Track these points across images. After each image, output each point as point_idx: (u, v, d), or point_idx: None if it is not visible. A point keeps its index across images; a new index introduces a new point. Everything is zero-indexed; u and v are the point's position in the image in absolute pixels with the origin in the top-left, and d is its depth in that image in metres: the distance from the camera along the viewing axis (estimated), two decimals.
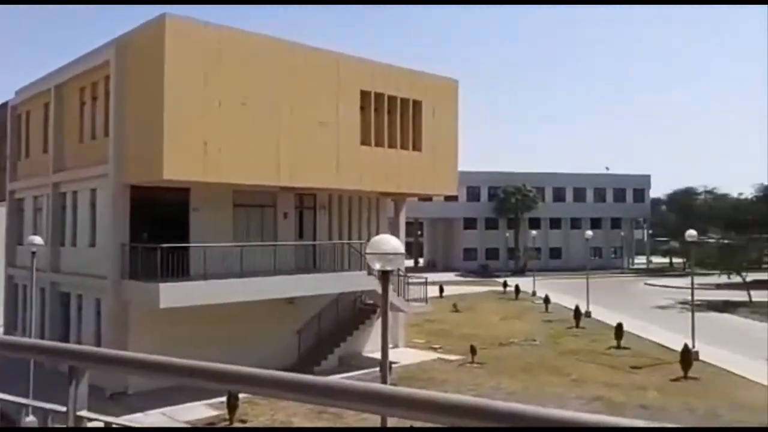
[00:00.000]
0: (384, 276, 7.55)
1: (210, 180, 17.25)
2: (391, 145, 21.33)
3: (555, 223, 70.11)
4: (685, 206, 66.58)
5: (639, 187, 72.53)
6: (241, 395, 14.07)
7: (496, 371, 19.77)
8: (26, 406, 2.98)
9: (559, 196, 70.48)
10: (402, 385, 17.95)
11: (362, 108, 20.57)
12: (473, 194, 67.77)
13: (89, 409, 1.87)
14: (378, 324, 23.27)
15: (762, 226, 50.53)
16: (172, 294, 15.91)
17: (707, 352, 21.21)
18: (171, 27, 16.20)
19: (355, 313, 22.46)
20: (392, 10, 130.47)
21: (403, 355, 22.34)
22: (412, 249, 77.48)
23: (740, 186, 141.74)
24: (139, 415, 14.75)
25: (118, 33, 18.43)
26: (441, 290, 40.83)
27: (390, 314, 22.94)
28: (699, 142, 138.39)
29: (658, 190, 74.96)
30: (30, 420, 6.42)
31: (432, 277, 50.72)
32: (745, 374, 19.05)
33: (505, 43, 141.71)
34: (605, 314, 30.57)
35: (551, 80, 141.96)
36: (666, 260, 71.07)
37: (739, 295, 36.82)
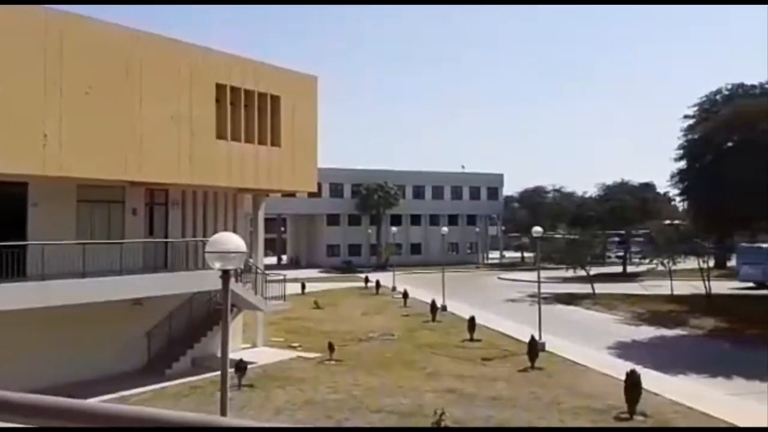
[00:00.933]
0: (224, 276, 7.04)
1: (50, 174, 15.76)
2: (249, 140, 20.62)
3: (415, 219, 72.07)
4: (535, 204, 71.07)
5: (493, 185, 76.31)
6: None
7: (354, 367, 19.72)
8: None
9: (418, 193, 72.52)
10: (259, 385, 17.42)
11: (218, 101, 19.69)
12: (336, 191, 68.00)
13: None
14: (235, 323, 22.44)
15: (603, 222, 54.90)
16: (2, 296, 14.35)
17: (553, 343, 22.47)
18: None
19: (210, 313, 21.45)
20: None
21: (261, 355, 21.74)
22: (276, 246, 76.30)
23: (585, 185, 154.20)
24: None
25: None
26: (303, 287, 40.43)
27: (248, 313, 22.43)
28: (548, 143, 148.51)
29: (510, 189, 79.34)
30: None
31: (295, 273, 50.70)
32: (587, 363, 20.34)
33: (368, 41, 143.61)
34: (460, 308, 31.67)
35: (413, 79, 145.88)
36: (518, 255, 75.36)
37: (584, 288, 39.54)
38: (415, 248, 71.24)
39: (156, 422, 1.20)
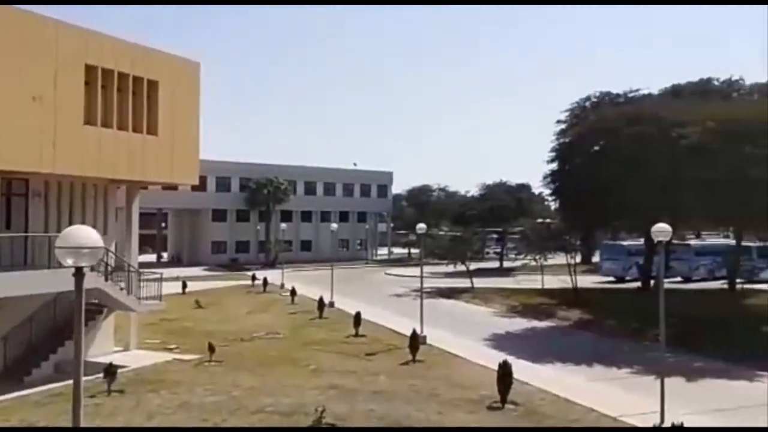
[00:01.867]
0: (77, 274, 6.50)
1: None
2: (122, 128, 19.37)
3: (306, 215, 71.43)
4: (422, 202, 72.93)
5: (383, 183, 77.29)
6: None
7: (234, 368, 19.15)
8: None
9: (310, 189, 71.99)
10: (131, 390, 16.48)
11: (87, 84, 18.32)
12: (223, 185, 66.02)
13: None
14: (106, 325, 21.21)
15: (483, 220, 57.38)
16: None
17: (434, 336, 22.99)
18: None
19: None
20: None
21: (134, 358, 20.59)
22: (155, 242, 72.91)
23: (467, 185, 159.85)
24: None
25: None
26: (184, 286, 38.96)
27: (122, 314, 21.19)
28: (436, 143, 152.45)
29: (399, 187, 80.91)
30: None
31: (177, 272, 48.66)
32: (464, 354, 20.97)
33: (261, 39, 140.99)
34: (348, 303, 31.69)
35: (304, 76, 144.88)
36: (405, 251, 76.85)
37: (464, 283, 40.93)
38: (306, 245, 70.65)
39: None
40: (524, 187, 62.62)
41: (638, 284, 38.19)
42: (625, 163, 24.67)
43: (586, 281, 39.96)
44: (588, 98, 34.71)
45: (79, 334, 6.82)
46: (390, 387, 16.79)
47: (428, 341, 22.17)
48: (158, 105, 20.45)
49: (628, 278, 42.30)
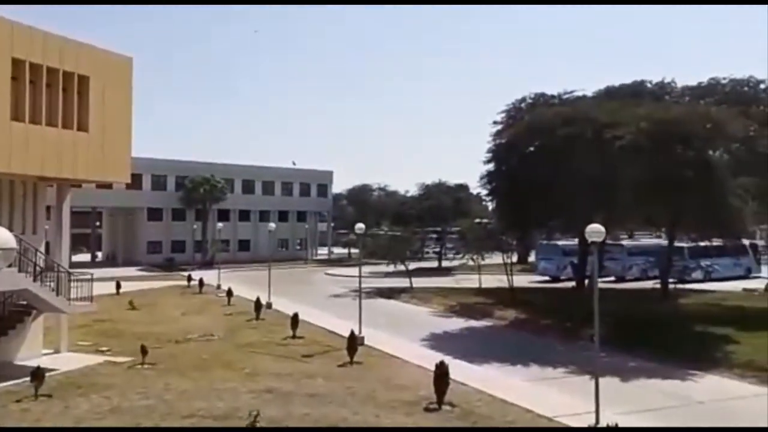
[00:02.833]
0: None
1: None
2: (51, 124, 18.62)
3: (244, 215, 70.43)
4: (362, 201, 72.92)
5: (323, 182, 76.96)
6: None
7: (167, 371, 18.72)
8: None
9: (248, 188, 70.97)
10: (59, 394, 15.90)
11: (14, 78, 17.55)
12: (159, 183, 64.41)
13: None
14: (34, 327, 20.36)
15: (422, 220, 57.89)
16: None
17: (373, 337, 23.04)
18: None
19: (5, 317, 19.21)
20: None
21: (64, 361, 19.87)
22: (90, 242, 70.47)
23: (407, 184, 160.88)
24: None
25: None
26: (118, 286, 37.87)
27: (52, 316, 20.38)
28: (376, 142, 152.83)
29: (339, 186, 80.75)
30: None
31: (111, 272, 47.16)
32: (402, 355, 21.04)
33: (196, 35, 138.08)
34: (286, 304, 31.41)
35: (242, 74, 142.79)
36: (346, 251, 76.75)
37: (403, 282, 41.13)
38: (244, 244, 69.62)
39: None
40: (462, 188, 63.52)
41: (573, 284, 39.08)
42: (559, 163, 25.01)
43: (523, 281, 40.72)
44: (523, 99, 35.23)
45: None
46: (327, 390, 16.73)
47: (366, 342, 22.21)
48: (89, 101, 19.73)
49: (563, 278, 43.18)
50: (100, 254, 70.12)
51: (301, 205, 75.11)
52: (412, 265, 44.99)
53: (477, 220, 44.46)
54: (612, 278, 42.74)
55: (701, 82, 33.53)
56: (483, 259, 39.54)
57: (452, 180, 64.70)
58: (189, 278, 43.91)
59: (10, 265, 16.94)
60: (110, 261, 65.76)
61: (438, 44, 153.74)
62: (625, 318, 25.26)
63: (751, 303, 31.75)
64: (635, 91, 33.31)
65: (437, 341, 24.53)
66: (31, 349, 20.14)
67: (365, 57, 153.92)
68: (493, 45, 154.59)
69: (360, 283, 25.47)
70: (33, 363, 17.62)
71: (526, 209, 28.13)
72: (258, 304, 29.67)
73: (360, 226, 25.08)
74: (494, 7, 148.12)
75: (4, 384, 16.67)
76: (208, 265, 58.25)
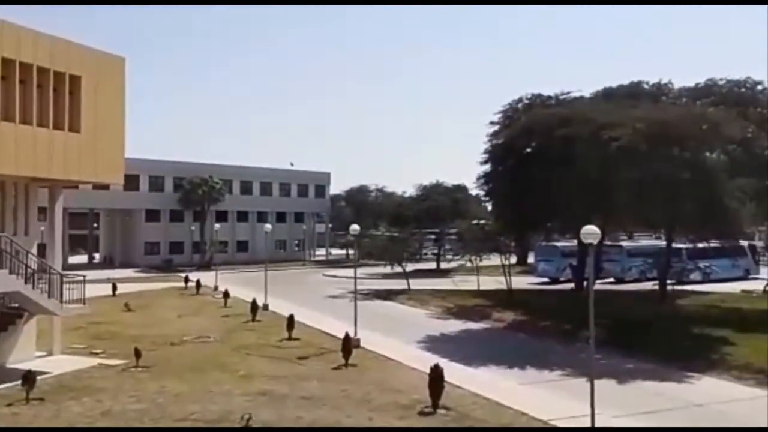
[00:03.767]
0: None
1: None
2: (42, 124, 18.44)
3: (242, 216, 70.34)
4: (360, 202, 72.77)
5: (320, 183, 76.85)
6: None
7: (162, 373, 18.54)
8: None
9: (246, 189, 70.87)
10: (51, 398, 15.72)
11: (4, 78, 17.41)
12: (157, 184, 64.25)
13: None
14: (27, 330, 20.18)
15: (420, 221, 57.71)
16: None
17: (369, 339, 22.85)
18: None
19: None
20: None
21: (57, 364, 19.69)
22: (87, 243, 70.30)
23: (405, 185, 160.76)
24: None
25: None
26: (114, 288, 37.73)
27: (46, 318, 20.19)
28: (374, 143, 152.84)
29: (337, 187, 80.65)
30: None
31: (108, 273, 47.00)
32: (398, 358, 20.83)
33: (190, 35, 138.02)
34: (283, 306, 31.26)
35: (241, 75, 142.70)
36: (344, 252, 76.57)
37: (401, 284, 40.93)
38: (242, 246, 69.53)
39: None
40: (460, 189, 63.23)
41: (572, 285, 38.92)
42: (557, 164, 24.85)
43: (522, 282, 40.55)
44: (520, 100, 35.02)
45: None
46: (321, 392, 16.54)
47: (362, 344, 22.02)
48: (81, 101, 19.55)
49: (562, 279, 43.01)
50: (97, 256, 69.98)
51: (299, 206, 74.98)
52: (410, 267, 44.77)
53: (475, 221, 44.21)
54: (611, 279, 42.59)
55: (698, 83, 33.34)
56: (481, 260, 39.37)
57: (450, 181, 64.56)
58: (186, 280, 43.74)
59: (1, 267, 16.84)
60: (108, 262, 65.63)
61: (437, 45, 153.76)
62: (623, 320, 25.10)
63: (749, 304, 31.56)
64: (632, 92, 33.09)
65: (434, 343, 24.36)
66: (24, 351, 19.97)
67: (362, 58, 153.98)
68: (492, 46, 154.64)
69: (355, 284, 25.29)
70: (25, 366, 17.48)
71: (524, 210, 27.98)
72: (254, 305, 29.50)
73: (355, 228, 24.91)
74: (493, 7, 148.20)
75: None
76: (206, 266, 58.16)
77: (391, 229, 51.32)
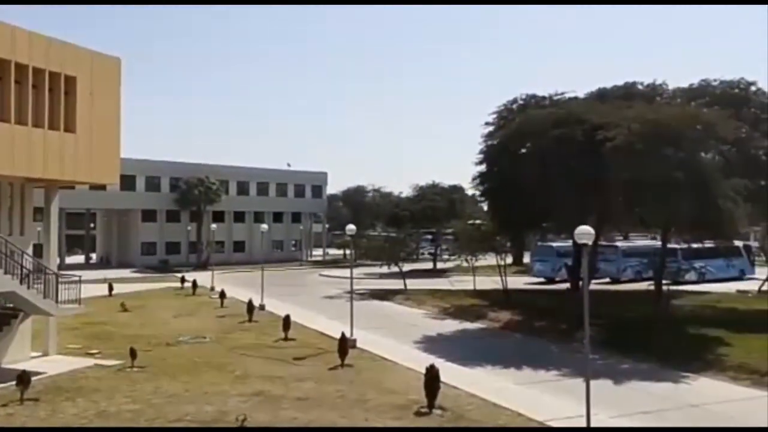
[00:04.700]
0: None
1: None
2: (38, 124, 18.41)
3: (239, 216, 70.27)
4: (357, 203, 72.74)
5: (317, 183, 76.80)
6: None
7: (157, 374, 18.51)
8: None
9: (243, 189, 70.81)
10: (46, 398, 15.69)
11: (0, 79, 17.40)
12: (153, 184, 64.18)
13: None
14: (22, 330, 20.14)
15: (417, 221, 57.70)
16: None
17: (365, 339, 22.89)
18: None
19: None
20: None
21: (52, 364, 19.66)
22: (84, 243, 70.19)
23: (401, 185, 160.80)
24: None
25: None
26: (110, 288, 37.64)
27: (41, 319, 20.15)
28: (370, 143, 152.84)
29: (334, 187, 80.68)
30: None
31: (104, 273, 46.93)
32: (394, 358, 20.83)
33: (184, 35, 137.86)
34: (279, 306, 31.29)
35: (237, 76, 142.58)
36: (341, 252, 76.52)
37: (398, 284, 40.87)
38: (239, 246, 69.49)
39: None
40: (457, 189, 63.30)
41: (567, 285, 38.90)
42: (551, 164, 24.87)
43: (518, 282, 40.55)
44: (514, 101, 34.98)
45: None
46: (317, 393, 16.54)
47: (358, 344, 22.04)
48: (76, 101, 19.54)
49: (557, 279, 42.93)
50: (94, 256, 69.84)
51: (296, 207, 74.95)
52: (407, 267, 44.77)
53: (471, 222, 44.17)
54: (607, 280, 42.63)
55: (692, 83, 33.33)
56: (477, 260, 39.36)
57: (446, 181, 64.63)
58: (182, 280, 43.68)
59: None
60: (104, 263, 65.52)
61: (434, 45, 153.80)
62: (619, 320, 25.07)
63: (744, 305, 31.64)
64: (627, 93, 33.08)
65: (430, 344, 24.38)
66: (19, 352, 19.94)
67: (359, 58, 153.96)
68: (488, 46, 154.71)
69: (351, 284, 25.31)
70: (20, 366, 17.43)
71: (519, 210, 27.95)
72: (251, 305, 29.48)
73: (351, 228, 24.92)
74: (489, 7, 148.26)
75: None
76: (203, 266, 58.09)
77: (388, 229, 51.30)
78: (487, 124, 33.87)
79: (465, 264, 40.62)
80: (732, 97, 31.29)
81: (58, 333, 21.81)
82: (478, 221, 43.19)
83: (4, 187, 19.52)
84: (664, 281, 33.89)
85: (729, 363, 19.76)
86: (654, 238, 46.79)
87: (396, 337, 25.04)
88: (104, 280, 39.43)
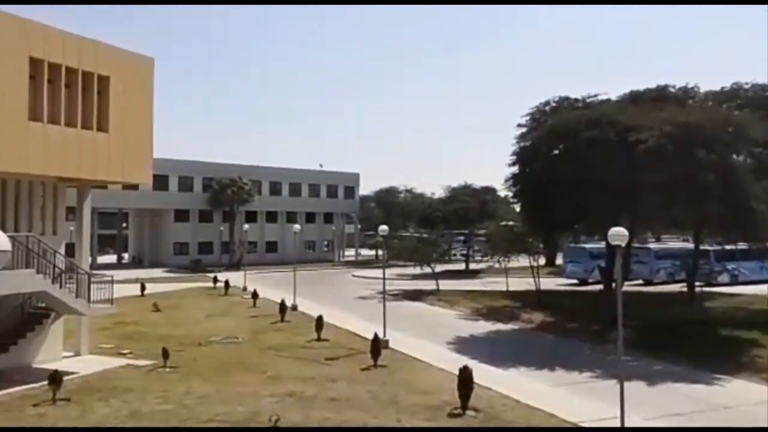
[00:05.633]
0: None
1: None
2: (71, 124, 18.49)
3: (271, 216, 70.65)
4: (389, 203, 72.57)
5: (349, 184, 76.84)
6: None
7: (189, 374, 18.46)
8: None
9: (275, 190, 71.17)
10: (78, 398, 15.71)
11: (32, 78, 17.43)
12: (186, 184, 64.80)
13: None
14: (54, 330, 20.27)
15: (449, 222, 57.44)
16: None
17: (398, 339, 22.63)
18: None
19: (23, 319, 19.14)
20: None
21: (84, 364, 19.73)
22: (116, 243, 71.27)
23: (434, 186, 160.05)
24: None
25: None
26: (143, 288, 37.98)
27: (74, 318, 20.30)
28: (403, 144, 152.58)
29: (366, 188, 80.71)
30: None
31: (137, 273, 47.51)
32: (427, 359, 20.57)
33: (223, 31, 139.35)
34: (312, 306, 31.20)
35: (271, 76, 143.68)
36: (373, 253, 76.43)
37: (430, 285, 40.68)
38: (271, 246, 69.85)
39: None
40: (489, 190, 62.89)
41: (600, 287, 38.37)
42: (584, 166, 24.73)
43: (550, 283, 40.10)
44: (547, 102, 34.80)
45: None
46: (349, 394, 16.31)
47: (391, 345, 21.78)
48: (109, 101, 19.58)
49: (590, 281, 42.49)
50: (126, 255, 70.86)
51: (328, 207, 75.12)
52: (439, 268, 44.54)
53: (503, 223, 43.89)
54: (639, 281, 42.18)
55: (724, 87, 33.46)
56: (509, 261, 38.98)
57: (478, 182, 64.36)
58: (215, 280, 43.96)
59: (28, 266, 16.90)
60: (136, 262, 66.41)
61: (468, 46, 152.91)
62: (652, 322, 24.82)
63: None
64: (659, 96, 32.98)
65: (463, 344, 24.05)
66: (51, 352, 20.02)
67: (392, 58, 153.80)
68: (522, 48, 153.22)
69: (384, 284, 25.07)
70: (52, 366, 17.42)
71: (552, 212, 27.73)
72: (283, 306, 29.41)
73: (383, 228, 24.75)
74: (527, 7, 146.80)
75: (22, 388, 16.55)
76: (235, 266, 58.48)
77: (420, 230, 51.03)
78: (519, 125, 33.66)
79: (497, 265, 40.40)
80: (763, 100, 31.47)
81: (91, 333, 21.87)
82: (510, 222, 42.84)
83: (36, 186, 19.66)
84: (696, 283, 33.58)
85: (763, 365, 19.48)
86: (686, 240, 46.15)
87: (429, 337, 24.74)
88: (136, 280, 39.87)
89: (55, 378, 15.63)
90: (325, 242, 75.41)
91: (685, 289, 33.59)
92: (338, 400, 15.76)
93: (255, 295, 34.88)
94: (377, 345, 19.75)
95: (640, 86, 35.32)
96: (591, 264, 42.95)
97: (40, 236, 18.64)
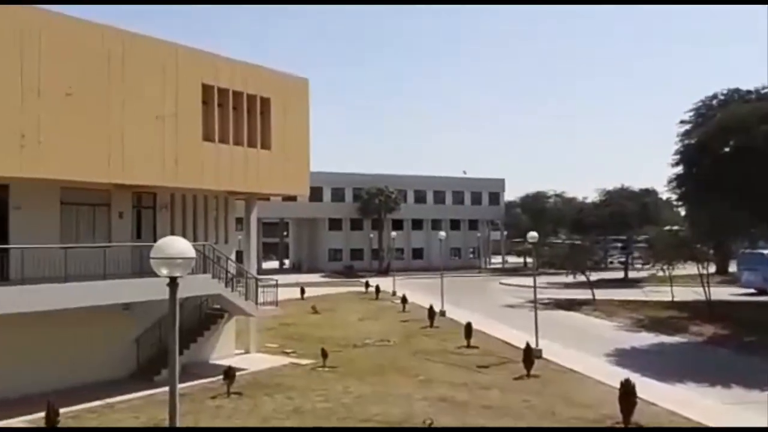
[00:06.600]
0: (171, 285, 6.65)
1: (29, 175, 15.56)
2: (238, 143, 20.37)
3: (417, 224, 71.81)
4: (537, 209, 70.40)
5: (494, 190, 75.97)
6: None
7: (346, 374, 19.32)
8: None
9: (420, 198, 72.28)
10: (248, 393, 17.05)
11: (205, 103, 19.42)
12: (338, 195, 67.95)
13: None
14: (227, 329, 22.18)
15: (604, 228, 54.53)
16: None
17: (551, 350, 22.03)
18: None
19: (201, 319, 21.19)
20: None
21: (253, 361, 21.43)
22: (278, 250, 76.11)
23: (586, 191, 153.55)
24: None
25: None
26: (302, 292, 40.19)
27: (243, 319, 22.07)
28: (550, 148, 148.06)
29: (512, 193, 79.23)
30: None
31: (296, 278, 50.41)
32: (584, 371, 19.83)
33: (368, 42, 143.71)
34: (459, 313, 31.26)
35: (415, 85, 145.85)
36: (521, 260, 74.76)
37: (585, 294, 39.07)
38: (417, 253, 71.00)
39: None
40: (649, 192, 58.69)
41: None
42: (759, 163, 22.37)
43: (722, 293, 36.84)
44: (714, 96, 31.94)
45: (174, 343, 7.02)
46: (502, 402, 16.16)
47: (544, 355, 21.26)
48: (270, 120, 21.34)
49: None
50: (287, 261, 75.37)
51: (473, 214, 74.85)
52: (594, 276, 42.56)
53: (667, 228, 40.99)
54: (752, 290, 38.04)
55: None
56: (673, 269, 36.38)
57: (636, 185, 60.26)
58: (366, 285, 45.48)
59: (204, 272, 18.60)
60: (296, 268, 70.33)
61: (624, 45, 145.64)
62: None
63: None
64: None
65: (622, 357, 22.79)
66: (224, 349, 21.99)
67: (537, 60, 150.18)
68: (681, 44, 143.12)
69: (535, 293, 24.51)
70: (226, 362, 19.29)
71: (722, 214, 25.45)
72: (432, 311, 29.78)
73: (533, 235, 24.16)
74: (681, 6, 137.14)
75: (201, 381, 18.21)
76: (384, 272, 60.13)
77: (572, 236, 49.03)
78: (683, 122, 31.39)
79: (660, 273, 37.94)
80: None
81: (258, 333, 23.67)
82: (675, 227, 40.01)
83: (210, 200, 21.70)
84: None
85: None
86: None
87: (584, 348, 23.75)
88: (296, 284, 42.27)
89: (230, 373, 17.12)
90: (471, 249, 75.15)
91: None
92: (492, 408, 15.67)
93: (404, 300, 35.62)
94: (530, 354, 19.33)
95: None
96: None
97: (214, 245, 20.50)
